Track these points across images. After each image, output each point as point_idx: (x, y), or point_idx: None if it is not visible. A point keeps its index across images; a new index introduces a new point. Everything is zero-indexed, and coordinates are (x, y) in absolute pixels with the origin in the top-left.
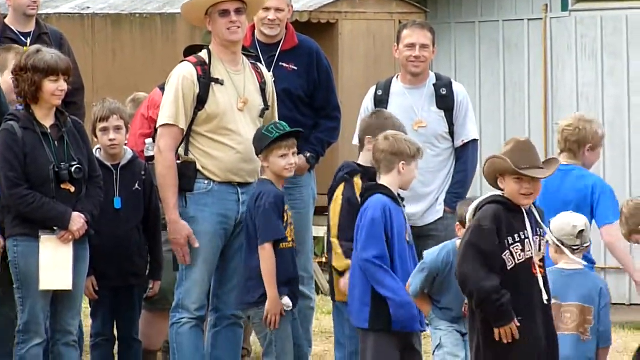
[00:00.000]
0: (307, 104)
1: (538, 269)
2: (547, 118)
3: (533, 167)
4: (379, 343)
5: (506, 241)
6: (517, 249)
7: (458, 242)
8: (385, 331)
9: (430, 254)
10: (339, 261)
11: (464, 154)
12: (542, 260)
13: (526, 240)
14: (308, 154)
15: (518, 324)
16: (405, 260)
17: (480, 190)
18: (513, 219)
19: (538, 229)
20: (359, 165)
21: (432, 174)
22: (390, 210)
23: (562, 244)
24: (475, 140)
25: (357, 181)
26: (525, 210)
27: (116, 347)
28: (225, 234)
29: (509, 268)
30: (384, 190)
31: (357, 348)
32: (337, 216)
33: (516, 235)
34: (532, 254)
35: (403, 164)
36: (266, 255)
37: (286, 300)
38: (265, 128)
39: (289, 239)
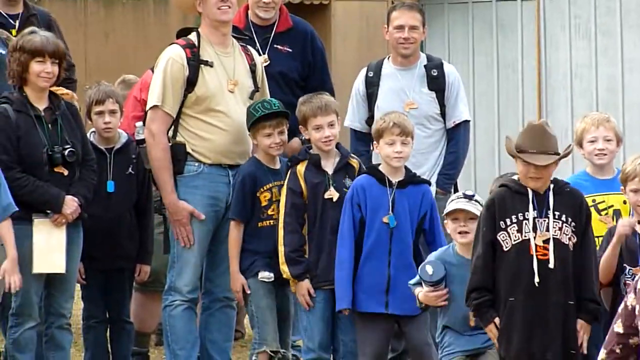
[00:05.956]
0: (301, 86)
1: (534, 250)
2: (540, 99)
3: (540, 152)
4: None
5: (503, 222)
6: (513, 230)
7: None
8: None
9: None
10: (293, 284)
11: (456, 135)
12: (547, 241)
13: (524, 222)
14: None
15: (497, 325)
16: (381, 242)
17: (474, 172)
18: (515, 200)
19: (548, 211)
20: (308, 152)
21: (424, 156)
22: (364, 189)
23: None
24: (466, 121)
25: (300, 168)
26: (533, 191)
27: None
28: (216, 216)
29: (505, 249)
30: (370, 170)
31: None
32: (283, 209)
33: (514, 217)
34: (529, 235)
35: (375, 143)
36: (230, 232)
37: (263, 274)
38: (253, 106)
39: (274, 216)
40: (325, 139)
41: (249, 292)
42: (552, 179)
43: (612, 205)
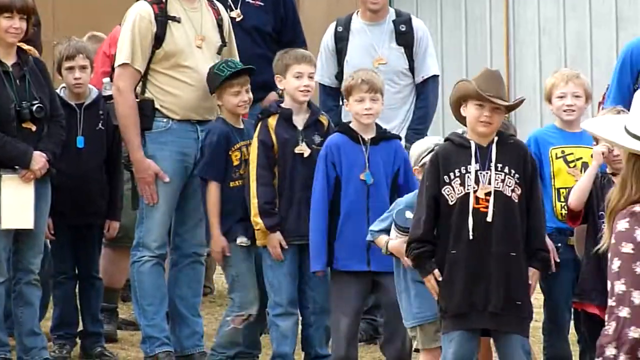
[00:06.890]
0: (275, 40)
1: (472, 203)
2: (508, 53)
3: (497, 97)
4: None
5: (447, 177)
6: (456, 184)
7: None
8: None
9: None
10: (261, 238)
11: (425, 90)
12: (488, 194)
13: (467, 175)
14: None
15: (438, 277)
16: (359, 200)
17: (442, 127)
18: (459, 154)
19: (491, 164)
20: (279, 106)
21: (393, 111)
22: (339, 147)
23: None
24: (435, 76)
25: (272, 122)
26: (476, 144)
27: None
28: (185, 172)
29: (450, 203)
30: (342, 128)
31: None
32: (255, 161)
33: (457, 171)
34: (471, 188)
35: (345, 100)
36: (209, 193)
37: (240, 239)
38: (217, 67)
39: (244, 175)
40: (304, 87)
41: (228, 254)
42: (496, 132)
43: (580, 158)
